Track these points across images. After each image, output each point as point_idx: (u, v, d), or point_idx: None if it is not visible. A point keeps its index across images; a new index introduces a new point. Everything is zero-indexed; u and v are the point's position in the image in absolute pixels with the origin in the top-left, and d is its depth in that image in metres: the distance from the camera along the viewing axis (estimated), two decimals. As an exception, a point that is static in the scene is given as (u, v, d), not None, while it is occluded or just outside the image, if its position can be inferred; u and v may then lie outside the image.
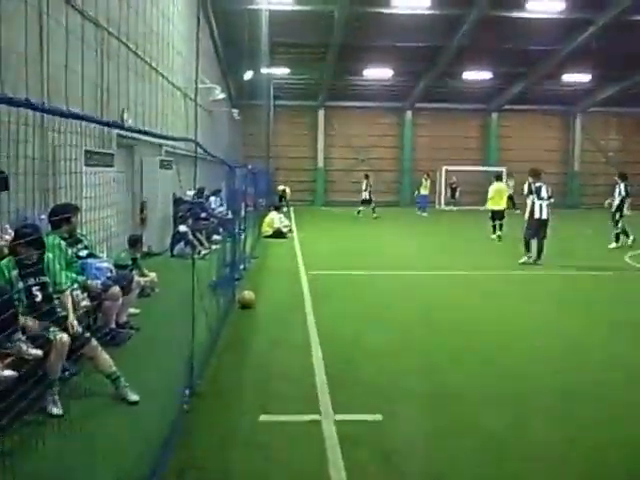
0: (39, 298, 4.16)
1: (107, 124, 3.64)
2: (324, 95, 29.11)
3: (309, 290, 8.19)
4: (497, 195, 15.41)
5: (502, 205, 15.40)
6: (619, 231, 13.13)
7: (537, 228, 10.68)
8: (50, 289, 4.25)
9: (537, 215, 10.66)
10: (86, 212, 6.40)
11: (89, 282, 5.30)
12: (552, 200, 10.87)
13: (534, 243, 10.81)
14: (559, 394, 4.47)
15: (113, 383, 4.15)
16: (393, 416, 3.95)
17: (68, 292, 4.40)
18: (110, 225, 7.41)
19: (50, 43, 6.88)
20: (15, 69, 6.08)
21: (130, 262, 6.73)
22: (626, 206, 13.02)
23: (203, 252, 10.58)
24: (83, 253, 5.69)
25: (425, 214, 23.32)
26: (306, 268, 10.01)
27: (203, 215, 12.57)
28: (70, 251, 5.33)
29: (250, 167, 12.70)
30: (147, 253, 10.09)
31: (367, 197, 22.28)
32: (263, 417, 3.90)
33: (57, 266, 4.43)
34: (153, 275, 7.20)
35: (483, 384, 4.65)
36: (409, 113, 30.59)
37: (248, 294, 7.19)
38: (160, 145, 12.07)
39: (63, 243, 5.21)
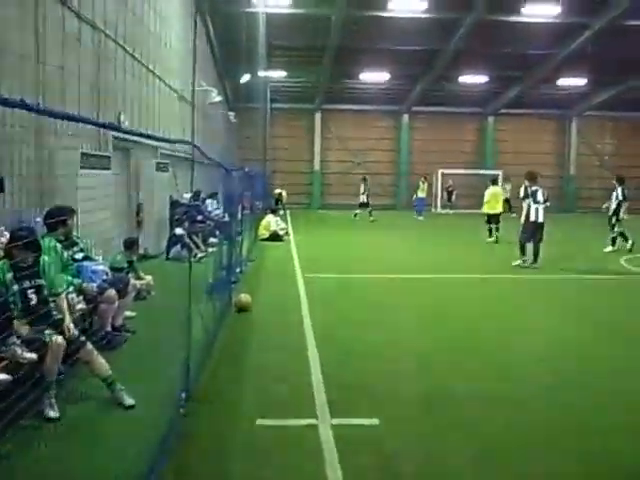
0: (34, 301, 4.13)
1: (104, 126, 3.62)
2: (321, 98, 29.16)
3: (305, 293, 8.18)
4: (493, 199, 15.46)
5: (498, 209, 15.45)
6: (615, 235, 13.15)
7: (533, 231, 10.72)
8: (45, 292, 4.22)
9: (533, 218, 10.70)
10: (82, 214, 6.38)
11: (85, 285, 5.27)
12: (548, 204, 10.91)
13: (530, 247, 10.85)
14: (558, 397, 4.47)
15: (109, 387, 4.12)
16: (390, 420, 3.94)
17: (64, 295, 4.37)
18: (106, 228, 7.39)
19: (46, 45, 6.86)
20: (11, 70, 6.05)
21: (126, 265, 6.70)
22: (623, 210, 13.02)
23: (199, 255, 10.56)
24: (79, 256, 5.66)
25: (421, 218, 23.34)
26: (303, 271, 10.00)
27: (199, 218, 12.55)
28: (66, 254, 5.30)
29: (247, 170, 12.68)
30: (143, 256, 10.06)
31: (365, 200, 22.28)
32: (260, 421, 3.88)
33: (53, 269, 4.40)
34: (149, 278, 7.17)
35: (481, 387, 4.64)
36: (406, 116, 30.66)
37: (245, 297, 7.18)
38: (156, 148, 12.04)
39: (59, 246, 5.19)
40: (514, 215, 17.78)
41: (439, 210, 28.12)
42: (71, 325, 4.15)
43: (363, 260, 11.80)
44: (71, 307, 4.49)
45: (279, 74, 25.46)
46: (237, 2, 18.59)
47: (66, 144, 7.13)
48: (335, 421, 3.89)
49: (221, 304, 6.44)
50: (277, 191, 24.26)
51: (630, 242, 12.74)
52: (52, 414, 3.86)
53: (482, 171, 27.79)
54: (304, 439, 3.67)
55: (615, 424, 4.01)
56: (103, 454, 3.48)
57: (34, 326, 3.98)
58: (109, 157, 8.79)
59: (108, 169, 8.66)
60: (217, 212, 13.71)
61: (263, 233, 14.90)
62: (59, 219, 5.20)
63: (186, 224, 11.46)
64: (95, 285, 5.37)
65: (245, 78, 21.62)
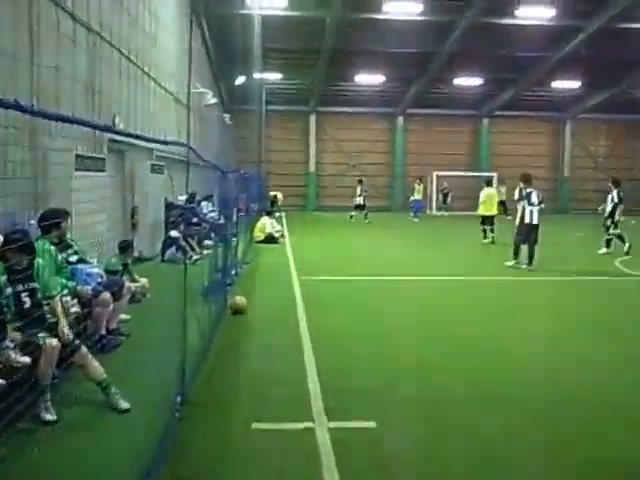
0: (28, 304, 4.09)
1: (99, 128, 3.61)
2: (316, 100, 29.18)
3: (301, 295, 8.16)
4: (488, 200, 15.52)
5: (493, 211, 15.52)
6: (610, 237, 13.18)
7: (527, 233, 10.76)
8: (40, 295, 4.19)
9: (527, 220, 10.75)
10: (76, 217, 6.34)
11: (79, 288, 5.23)
12: (542, 206, 10.95)
13: (524, 249, 10.89)
14: (554, 399, 4.47)
15: (103, 391, 4.09)
16: (387, 423, 3.93)
17: (58, 298, 4.34)
18: (101, 230, 7.35)
19: (41, 46, 6.82)
20: (4, 71, 6.01)
21: (121, 267, 6.67)
22: (618, 212, 13.05)
23: (194, 257, 10.52)
24: (73, 258, 5.62)
25: (416, 220, 23.37)
26: (298, 273, 9.98)
27: (195, 220, 12.52)
28: (60, 257, 5.27)
29: (242, 172, 12.67)
30: (138, 258, 10.02)
31: (361, 202, 22.29)
32: (256, 425, 3.86)
33: (47, 272, 4.37)
34: (144, 281, 7.13)
35: (478, 390, 4.64)
36: (400, 119, 30.73)
37: (240, 300, 7.15)
38: (151, 150, 12.00)
39: (53, 248, 5.15)
40: (509, 217, 17.84)
41: (434, 212, 28.17)
42: (65, 328, 4.12)
43: (359, 262, 11.80)
44: (65, 310, 4.46)
45: (274, 76, 25.47)
46: (232, 4, 18.58)
47: (60, 146, 7.08)
48: (332, 424, 3.87)
49: (216, 307, 6.42)
50: (272, 193, 24.25)
51: (627, 245, 12.72)
52: (49, 417, 3.83)
53: (477, 173, 27.87)
54: (301, 443, 3.65)
55: (615, 425, 4.01)
56: (98, 459, 3.45)
57: (28, 329, 3.94)
58: (104, 159, 8.75)
59: (103, 171, 8.62)
60: (212, 214, 13.68)
61: (258, 235, 14.87)
62: (53, 222, 5.17)
63: (181, 226, 11.43)
64: (90, 288, 5.34)
65: (240, 80, 21.61)
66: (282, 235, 15.64)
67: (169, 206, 12.43)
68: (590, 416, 4.18)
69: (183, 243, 10.92)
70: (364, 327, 6.54)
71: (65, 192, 7.10)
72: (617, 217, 13.04)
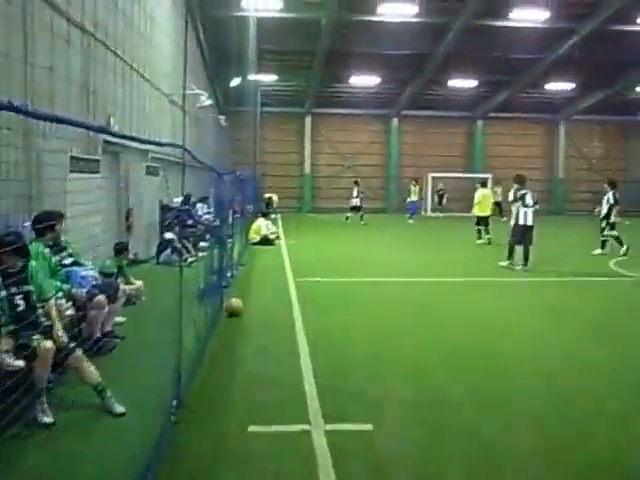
0: (22, 307, 4.06)
1: (94, 129, 3.58)
2: (311, 102, 29.19)
3: (297, 297, 8.14)
4: (483, 201, 15.58)
5: (488, 211, 15.58)
6: (605, 238, 13.21)
7: (522, 234, 10.79)
8: (34, 298, 4.15)
9: (522, 221, 10.79)
10: (71, 219, 6.30)
11: (74, 291, 5.20)
12: (537, 207, 11.00)
13: (519, 250, 10.92)
14: (551, 400, 4.47)
15: (99, 395, 4.06)
16: (384, 426, 3.91)
17: (52, 301, 4.30)
18: (96, 233, 7.31)
19: (35, 47, 6.79)
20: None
21: (116, 270, 6.63)
22: (614, 213, 13.08)
23: (190, 259, 10.49)
24: (68, 261, 5.58)
25: (411, 221, 23.40)
26: (294, 275, 9.97)
27: (190, 222, 12.48)
28: (54, 259, 5.23)
29: (238, 173, 12.64)
30: (133, 261, 9.98)
31: (358, 204, 22.29)
32: (252, 428, 3.84)
33: (41, 274, 4.34)
34: (139, 283, 7.09)
35: (474, 391, 4.63)
36: (395, 120, 30.78)
37: (236, 302, 7.13)
38: (146, 151, 11.96)
39: (47, 251, 5.12)
40: (504, 219, 17.89)
41: (429, 213, 28.21)
42: (60, 332, 4.09)
43: (355, 264, 11.79)
44: (60, 313, 4.42)
45: (270, 78, 25.46)
46: (227, 6, 18.56)
47: (55, 147, 7.05)
48: (329, 427, 3.86)
49: (212, 309, 6.39)
50: (267, 195, 24.23)
51: (625, 247, 12.73)
52: (46, 419, 3.80)
53: (471, 174, 27.95)
54: (297, 445, 3.63)
55: (614, 427, 4.01)
56: (93, 462, 3.43)
57: (22, 333, 3.91)
58: (98, 161, 8.72)
59: (97, 173, 8.58)
60: (208, 216, 13.65)
61: (254, 237, 14.85)
62: (47, 224, 5.13)
63: (176, 228, 11.39)
64: (84, 291, 5.30)
65: (235, 82, 21.58)
66: (277, 237, 15.63)
67: (164, 208, 12.38)
68: (589, 419, 4.18)
69: (178, 245, 10.87)
70: (360, 329, 6.53)
71: (59, 194, 7.06)
72: (613, 218, 13.08)
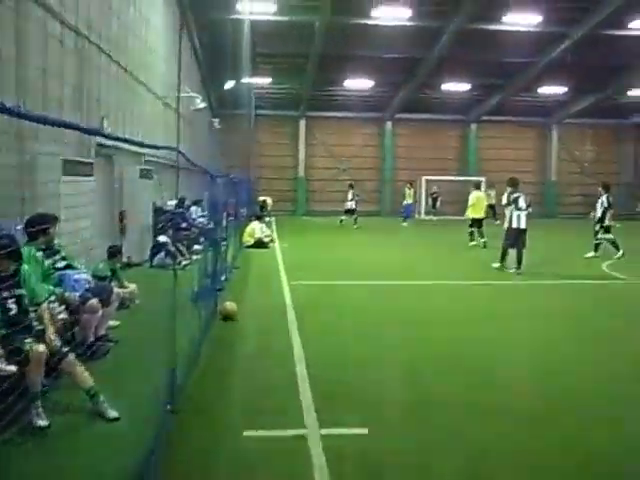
0: (14, 311, 4.03)
1: (88, 131, 3.56)
2: (305, 105, 29.22)
3: (291, 300, 8.12)
4: (477, 203, 15.64)
5: (481, 214, 15.64)
6: (599, 242, 13.27)
7: (516, 237, 10.83)
8: (26, 302, 4.12)
9: (515, 225, 10.84)
10: (64, 222, 6.26)
11: (67, 294, 5.16)
12: (530, 210, 11.05)
13: (513, 253, 10.96)
14: (544, 404, 4.47)
15: (91, 399, 4.02)
16: (379, 430, 3.90)
17: (45, 305, 4.27)
18: (89, 236, 7.26)
19: (28, 50, 6.75)
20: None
21: (109, 273, 6.59)
22: (608, 217, 13.14)
23: (184, 263, 10.45)
24: (61, 264, 5.54)
25: (405, 224, 23.43)
26: (288, 278, 9.95)
27: (184, 225, 12.44)
28: (47, 263, 5.19)
29: (231, 176, 12.61)
30: (127, 264, 9.93)
31: (352, 207, 22.30)
32: (247, 432, 3.81)
33: (33, 278, 4.30)
34: (133, 286, 7.05)
35: (469, 395, 4.63)
36: (389, 123, 30.86)
37: (230, 305, 7.10)
38: (140, 154, 11.92)
39: (40, 254, 5.07)
40: (498, 222, 17.96)
41: (423, 216, 28.28)
42: (53, 336, 4.05)
43: (349, 267, 11.78)
44: (53, 317, 4.39)
45: (264, 81, 25.47)
46: (222, 8, 18.56)
47: (48, 150, 7.01)
48: (324, 431, 3.84)
49: (206, 312, 6.36)
50: (262, 198, 24.21)
51: (620, 252, 12.75)
52: (42, 423, 3.77)
53: (465, 178, 28.05)
54: (293, 450, 3.61)
55: (607, 428, 4.02)
56: (86, 468, 3.39)
57: (14, 337, 3.87)
58: (92, 163, 8.68)
59: (91, 176, 8.54)
60: (202, 219, 13.61)
61: (248, 240, 14.81)
62: (41, 227, 5.09)
63: (170, 231, 11.34)
64: (78, 294, 5.26)
65: (229, 84, 21.58)
66: (272, 240, 15.60)
67: (158, 211, 12.34)
68: (583, 421, 4.19)
69: (172, 248, 10.84)
70: (355, 332, 6.51)
71: (53, 197, 7.02)
72: (607, 222, 13.14)
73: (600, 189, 13.59)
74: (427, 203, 28.82)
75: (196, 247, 11.88)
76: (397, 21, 20.12)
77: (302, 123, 30.52)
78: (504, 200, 11.53)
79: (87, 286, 5.51)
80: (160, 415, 3.74)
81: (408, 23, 20.13)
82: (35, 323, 4.10)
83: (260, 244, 14.67)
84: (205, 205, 13.62)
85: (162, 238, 11.17)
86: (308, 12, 19.62)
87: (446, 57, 22.69)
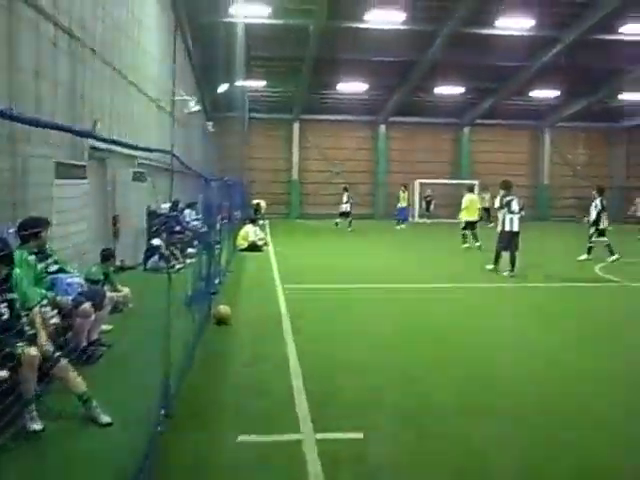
0: (6, 316, 3.98)
1: (81, 134, 3.53)
2: (299, 108, 29.23)
3: (286, 304, 8.10)
4: (470, 206, 15.71)
5: (475, 216, 15.72)
6: (592, 245, 13.32)
7: (509, 240, 10.88)
8: (18, 306, 4.07)
9: (508, 228, 10.89)
10: (56, 226, 6.22)
11: (59, 298, 5.11)
12: (523, 213, 11.11)
13: (506, 256, 11.00)
14: (541, 408, 4.47)
15: (84, 405, 3.98)
16: (374, 434, 3.88)
17: (37, 309, 4.23)
18: (82, 239, 7.21)
19: (21, 52, 6.71)
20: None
21: (102, 277, 6.54)
22: (603, 219, 13.18)
23: (177, 266, 10.40)
24: (53, 268, 5.49)
25: (400, 227, 23.46)
26: (282, 281, 9.93)
27: (178, 228, 12.39)
28: (39, 266, 5.14)
29: (225, 179, 12.58)
30: (120, 267, 9.87)
31: (347, 210, 22.30)
32: (242, 438, 3.79)
33: (25, 282, 4.26)
34: (126, 290, 7.00)
35: (465, 399, 4.62)
36: (383, 127, 30.93)
37: (224, 309, 7.07)
38: (133, 157, 11.87)
39: (32, 258, 5.03)
40: (491, 225, 18.03)
41: (416, 219, 28.34)
42: (44, 340, 4.01)
43: (344, 270, 11.77)
44: (45, 321, 4.34)
45: (258, 84, 25.47)
46: (216, 12, 18.55)
47: (40, 152, 6.96)
48: (319, 436, 3.82)
49: (200, 316, 6.33)
50: (255, 201, 24.18)
51: (615, 256, 12.76)
52: (36, 427, 3.73)
53: (458, 181, 28.13)
54: (288, 455, 3.59)
55: (599, 429, 4.03)
56: (80, 473, 3.35)
57: (6, 341, 3.82)
58: (85, 166, 8.63)
59: (84, 179, 8.49)
60: (196, 222, 13.57)
61: (242, 243, 14.78)
62: (32, 231, 5.05)
63: (164, 235, 11.29)
64: (70, 298, 5.21)
65: (223, 88, 21.56)
66: (265, 243, 15.57)
67: (152, 214, 12.28)
68: (575, 423, 4.19)
69: (166, 252, 10.79)
70: (350, 336, 6.50)
71: (45, 200, 6.97)
72: (602, 225, 13.18)
73: (594, 192, 13.64)
74: (421, 206, 28.89)
75: (190, 250, 11.84)
76: (391, 25, 20.19)
77: (296, 126, 30.53)
78: (497, 203, 11.57)
79: (80, 290, 5.46)
80: (153, 420, 3.70)
81: (402, 27, 20.20)
82: (27, 328, 4.06)
83: (254, 247, 14.63)
84: (199, 208, 13.58)
85: (156, 241, 11.12)
86: (302, 15, 19.65)
87: (440, 61, 22.79)
